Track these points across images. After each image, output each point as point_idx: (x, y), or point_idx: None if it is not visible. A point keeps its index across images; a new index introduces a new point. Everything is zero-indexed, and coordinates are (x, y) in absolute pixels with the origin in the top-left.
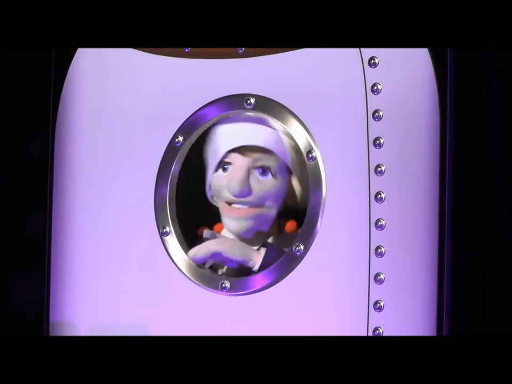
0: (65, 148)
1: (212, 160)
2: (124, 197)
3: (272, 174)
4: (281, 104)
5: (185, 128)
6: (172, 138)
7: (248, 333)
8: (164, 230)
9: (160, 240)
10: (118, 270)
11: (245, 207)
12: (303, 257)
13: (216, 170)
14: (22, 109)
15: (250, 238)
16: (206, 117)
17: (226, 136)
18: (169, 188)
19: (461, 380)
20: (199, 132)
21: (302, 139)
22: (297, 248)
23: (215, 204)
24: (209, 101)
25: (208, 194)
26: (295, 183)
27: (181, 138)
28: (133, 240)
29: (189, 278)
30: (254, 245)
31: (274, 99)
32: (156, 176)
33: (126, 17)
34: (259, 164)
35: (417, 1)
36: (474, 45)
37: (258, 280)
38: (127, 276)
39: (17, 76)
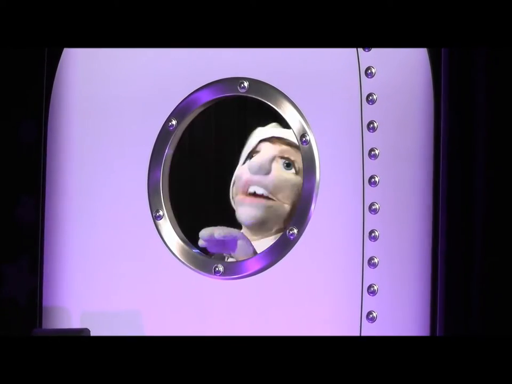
0: (58, 133)
1: (243, 154)
2: (117, 181)
3: (295, 170)
4: (275, 87)
5: (179, 112)
6: (165, 122)
7: (241, 317)
8: (157, 214)
9: (153, 224)
10: (111, 254)
11: (260, 192)
12: (297, 241)
13: (244, 162)
14: (15, 94)
15: (268, 232)
16: (199, 100)
17: (261, 131)
18: (163, 171)
19: (453, 378)
20: (193, 115)
21: (295, 122)
22: (291, 232)
23: (234, 205)
24: (203, 84)
25: (231, 193)
26: None
27: (174, 122)
28: (126, 224)
29: (182, 262)
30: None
31: (268, 83)
32: (149, 160)
33: (118, 18)
34: (285, 155)
35: (414, 1)
36: (470, 44)
37: (252, 264)
38: (120, 260)
39: (11, 62)
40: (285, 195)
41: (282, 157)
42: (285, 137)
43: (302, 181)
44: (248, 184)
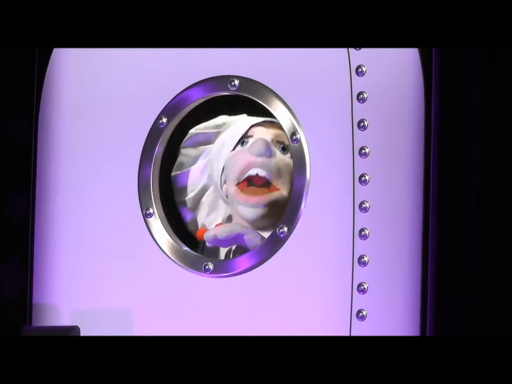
0: (48, 132)
1: (230, 139)
2: (108, 179)
3: (290, 154)
4: (266, 85)
5: (169, 110)
6: (155, 119)
7: (231, 315)
8: (148, 212)
9: (143, 221)
10: (101, 252)
11: (262, 174)
12: (287, 240)
13: (234, 148)
14: (6, 92)
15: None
16: (190, 98)
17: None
18: (153, 169)
19: (443, 378)
20: (183, 113)
21: (286, 121)
22: (281, 230)
23: (223, 196)
24: (194, 82)
25: (219, 182)
26: None
27: (164, 120)
28: (117, 222)
29: (172, 260)
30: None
31: (259, 81)
32: (139, 158)
33: (108, 18)
34: (281, 139)
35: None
36: (461, 44)
37: (242, 262)
38: (111, 258)
39: (1, 62)
40: (284, 180)
41: (278, 141)
42: (276, 121)
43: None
44: (249, 167)
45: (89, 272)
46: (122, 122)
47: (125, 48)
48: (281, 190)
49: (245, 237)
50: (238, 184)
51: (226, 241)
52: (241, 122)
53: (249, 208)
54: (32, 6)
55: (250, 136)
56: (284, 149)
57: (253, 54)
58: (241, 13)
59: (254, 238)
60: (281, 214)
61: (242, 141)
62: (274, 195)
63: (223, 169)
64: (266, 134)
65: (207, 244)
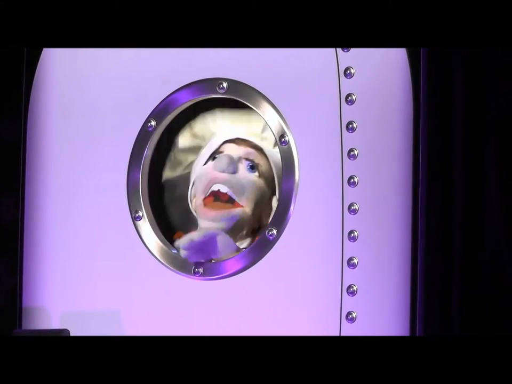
0: (37, 133)
1: (204, 154)
2: (97, 182)
3: (259, 173)
4: (254, 88)
5: (158, 113)
6: (144, 122)
7: (221, 317)
8: (137, 215)
9: (132, 224)
10: (90, 255)
11: (224, 190)
12: (276, 242)
13: (206, 162)
14: None
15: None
16: (178, 101)
17: (226, 130)
18: (142, 172)
19: (433, 379)
20: (172, 116)
21: (274, 123)
22: (270, 233)
23: (193, 210)
24: (182, 85)
25: (190, 195)
26: (274, 203)
27: (153, 123)
28: (106, 225)
29: (161, 263)
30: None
31: (247, 83)
32: (128, 161)
33: (98, 18)
34: (250, 157)
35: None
36: (450, 44)
37: (231, 264)
38: (100, 261)
39: None
40: (248, 197)
41: (247, 159)
42: (249, 139)
43: (264, 185)
44: (212, 182)
45: (78, 275)
46: (111, 125)
47: (114, 51)
48: (245, 207)
49: (218, 237)
50: (204, 198)
51: (200, 249)
52: (216, 137)
53: (208, 221)
54: (22, 5)
55: (221, 152)
56: (252, 168)
57: (241, 57)
58: (228, 13)
59: (225, 240)
60: (243, 231)
61: (213, 156)
62: (235, 211)
63: (193, 183)
64: (236, 150)
65: (182, 253)
